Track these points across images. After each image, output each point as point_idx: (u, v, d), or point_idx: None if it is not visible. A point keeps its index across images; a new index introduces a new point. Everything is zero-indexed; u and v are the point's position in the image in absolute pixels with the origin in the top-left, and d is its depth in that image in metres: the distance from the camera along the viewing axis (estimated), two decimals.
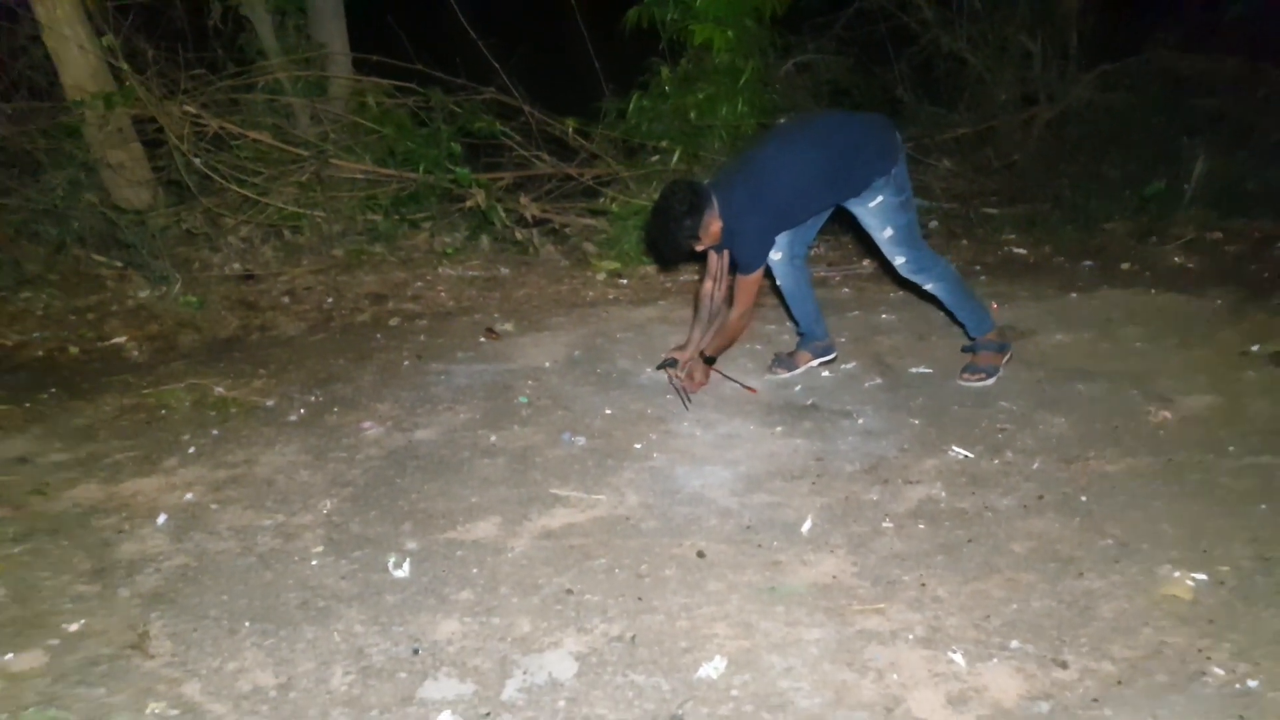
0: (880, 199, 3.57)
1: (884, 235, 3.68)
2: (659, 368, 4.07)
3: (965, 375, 3.86)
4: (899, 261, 3.73)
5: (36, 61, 5.92)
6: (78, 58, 5.73)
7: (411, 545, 2.82)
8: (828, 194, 3.62)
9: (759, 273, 3.60)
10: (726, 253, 3.74)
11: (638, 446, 3.46)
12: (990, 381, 3.82)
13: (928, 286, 3.82)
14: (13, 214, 5.70)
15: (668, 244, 3.57)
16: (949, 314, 3.99)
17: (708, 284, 3.91)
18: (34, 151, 5.78)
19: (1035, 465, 3.17)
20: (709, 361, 3.84)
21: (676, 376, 3.93)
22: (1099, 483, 3.03)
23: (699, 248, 3.59)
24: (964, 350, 4.06)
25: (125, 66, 5.67)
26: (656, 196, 3.64)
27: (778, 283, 4.01)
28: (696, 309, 3.99)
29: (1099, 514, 2.84)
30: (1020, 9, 8.15)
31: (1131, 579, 2.50)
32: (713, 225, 3.49)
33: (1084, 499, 2.93)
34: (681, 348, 4.04)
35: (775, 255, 3.87)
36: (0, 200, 5.69)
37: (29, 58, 5.89)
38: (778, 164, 3.53)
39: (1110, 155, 7.43)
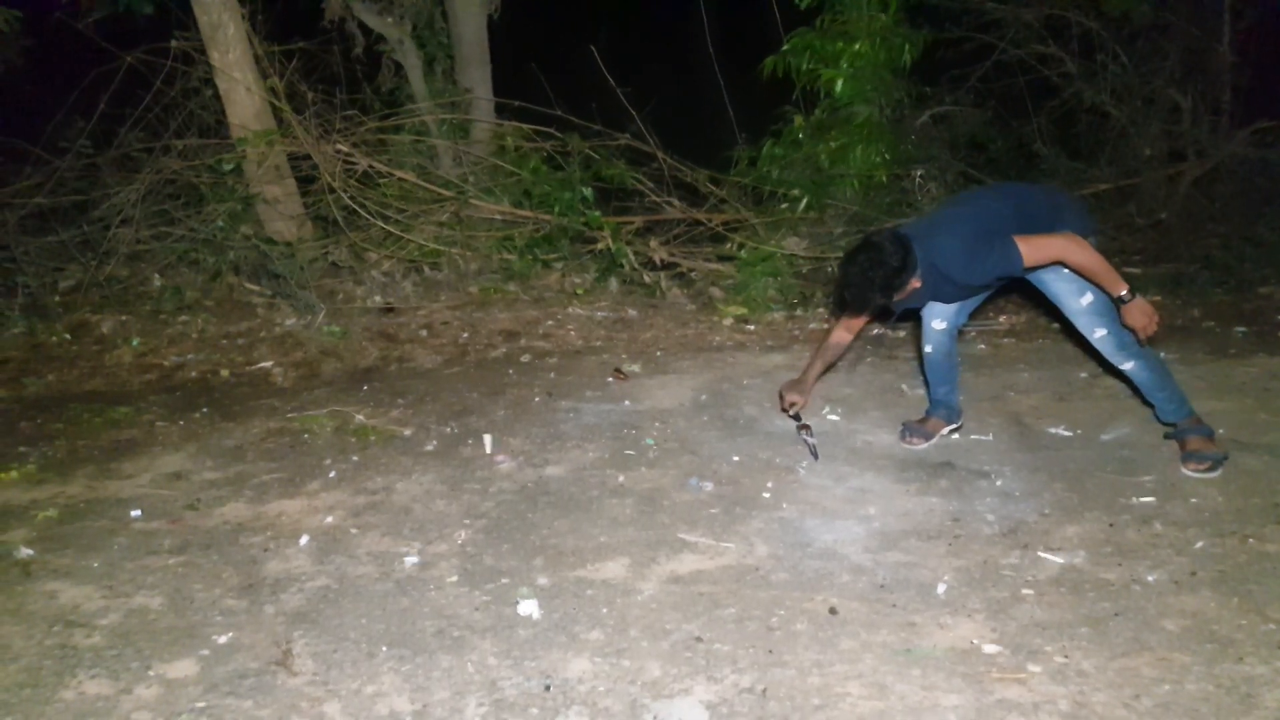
0: None
1: (1083, 303, 3.45)
2: (795, 421, 3.92)
3: (1192, 465, 3.49)
4: (1099, 335, 3.49)
5: (206, 101, 6.36)
6: (244, 98, 6.12)
7: (543, 581, 2.86)
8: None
9: (1045, 237, 3.26)
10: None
11: (766, 496, 3.43)
12: (1218, 472, 3.46)
13: (1127, 367, 3.54)
14: (177, 242, 6.09)
15: (866, 293, 3.35)
16: (1140, 396, 3.72)
17: (842, 333, 3.81)
18: (199, 185, 6.17)
19: (1187, 539, 3.01)
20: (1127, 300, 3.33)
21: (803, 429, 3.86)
22: (1259, 562, 2.86)
23: (888, 303, 3.43)
24: (1166, 438, 3.72)
25: (286, 107, 6.01)
26: (856, 243, 3.43)
27: (928, 350, 3.85)
28: (821, 350, 3.86)
29: (1260, 596, 2.67)
30: (1170, 61, 7.89)
31: None
32: (911, 283, 3.35)
33: (1242, 578, 2.77)
34: (797, 383, 3.89)
35: (940, 325, 3.76)
36: (166, 229, 6.08)
37: (200, 98, 6.32)
38: (972, 209, 3.44)
39: (1266, 216, 7.09)
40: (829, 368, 3.97)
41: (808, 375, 3.87)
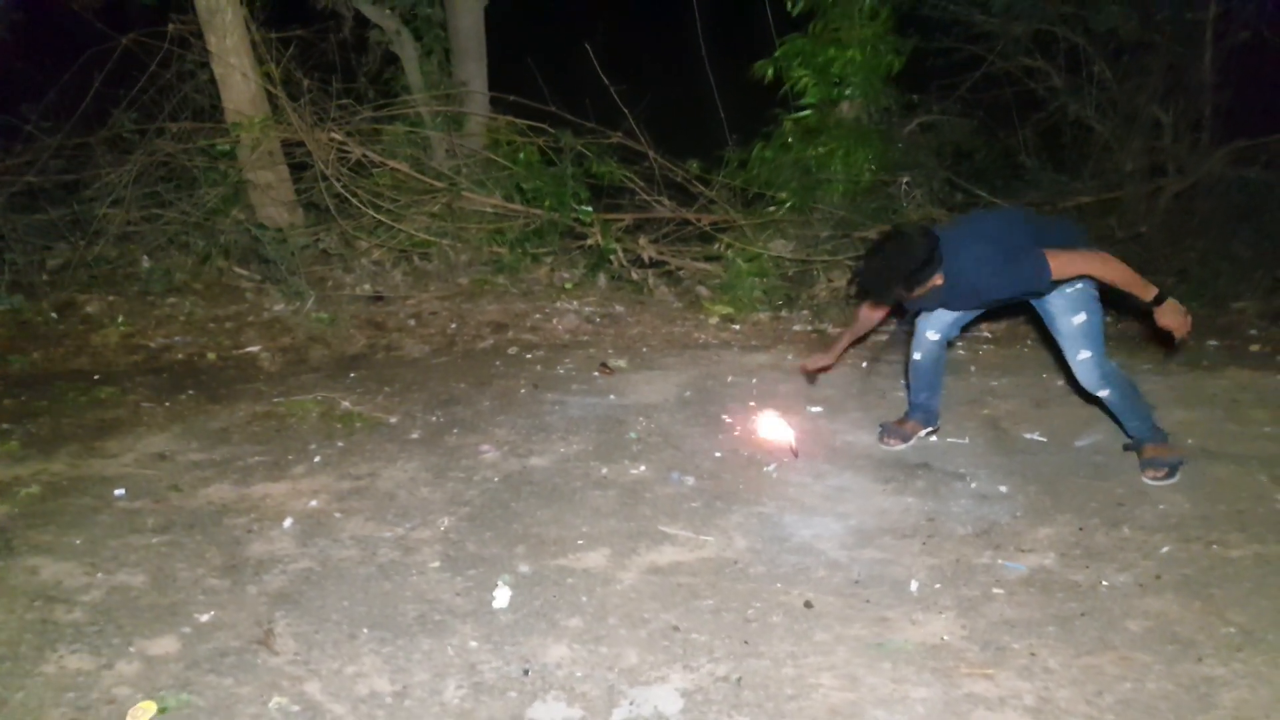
0: (1080, 284, 3.40)
1: (1074, 321, 3.45)
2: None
3: (1150, 473, 3.56)
4: (1082, 356, 3.49)
5: (201, 85, 6.35)
6: (240, 84, 6.13)
7: (524, 569, 2.91)
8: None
9: (1072, 252, 3.26)
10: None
11: (746, 491, 3.49)
12: (1177, 478, 3.53)
13: (1103, 394, 3.56)
14: (168, 225, 6.09)
15: (889, 281, 3.30)
16: (1111, 416, 3.77)
17: (869, 310, 3.74)
18: (191, 168, 6.17)
19: (1153, 543, 3.08)
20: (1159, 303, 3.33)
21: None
22: (1221, 567, 2.94)
23: (908, 295, 3.37)
24: (1126, 449, 3.77)
25: (281, 94, 6.03)
26: (885, 232, 3.44)
27: (916, 357, 3.88)
28: (851, 326, 3.85)
29: (1221, 599, 2.75)
30: (1153, 79, 7.99)
31: (1255, 669, 2.41)
32: (934, 280, 3.32)
33: (1205, 582, 2.84)
34: (827, 348, 3.92)
35: (933, 336, 3.79)
36: (158, 211, 6.09)
37: (195, 81, 6.32)
38: (997, 226, 3.45)
39: (1242, 233, 7.19)
40: (857, 340, 3.97)
41: (837, 344, 3.89)
